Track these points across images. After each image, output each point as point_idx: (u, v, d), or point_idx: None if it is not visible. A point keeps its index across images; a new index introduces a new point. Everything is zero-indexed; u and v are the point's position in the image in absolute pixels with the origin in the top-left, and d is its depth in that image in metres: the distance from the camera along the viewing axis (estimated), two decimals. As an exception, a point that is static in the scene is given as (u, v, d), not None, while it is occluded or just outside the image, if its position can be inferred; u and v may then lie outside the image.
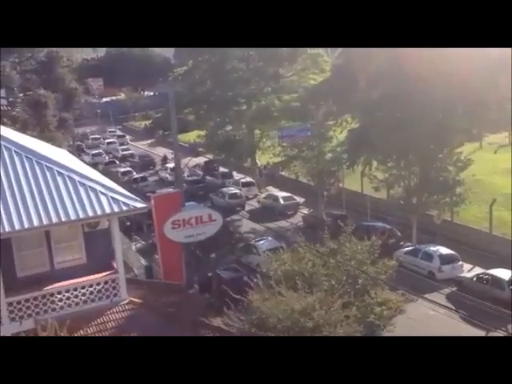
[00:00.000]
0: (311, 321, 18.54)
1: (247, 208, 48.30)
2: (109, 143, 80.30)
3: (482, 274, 30.00)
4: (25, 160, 18.94)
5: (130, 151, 74.27)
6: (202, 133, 58.88)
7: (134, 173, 59.52)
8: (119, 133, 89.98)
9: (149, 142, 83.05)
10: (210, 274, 28.62)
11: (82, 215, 17.86)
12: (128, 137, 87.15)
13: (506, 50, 23.16)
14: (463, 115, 34.06)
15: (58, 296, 18.50)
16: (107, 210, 18.22)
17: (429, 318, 25.41)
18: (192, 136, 65.14)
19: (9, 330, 17.52)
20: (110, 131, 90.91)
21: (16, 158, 18.93)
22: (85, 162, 28.98)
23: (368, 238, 23.04)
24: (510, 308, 25.74)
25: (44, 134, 46.77)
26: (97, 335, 17.85)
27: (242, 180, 52.58)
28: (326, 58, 53.01)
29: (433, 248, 33.15)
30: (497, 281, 28.76)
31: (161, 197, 28.45)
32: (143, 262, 32.36)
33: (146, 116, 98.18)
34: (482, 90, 32.03)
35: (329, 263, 22.01)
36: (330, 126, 42.91)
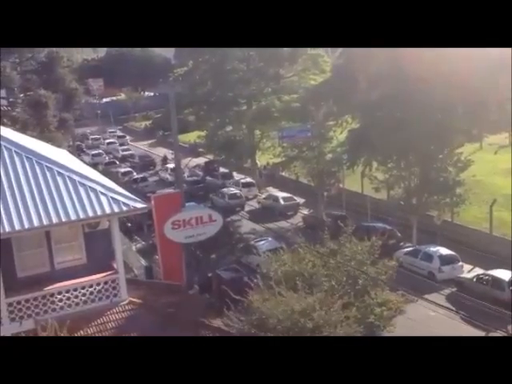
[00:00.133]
0: (311, 321, 18.53)
1: (247, 208, 48.31)
2: (109, 143, 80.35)
3: (482, 274, 30.00)
4: (25, 160, 18.95)
5: (131, 151, 74.29)
6: (203, 133, 58.91)
7: (134, 173, 59.56)
8: (119, 133, 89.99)
9: (149, 142, 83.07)
10: (210, 275, 28.61)
11: (82, 215, 17.86)
12: (128, 137, 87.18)
13: (506, 50, 23.18)
14: (463, 116, 34.07)
15: (58, 296, 18.50)
16: (107, 211, 18.23)
17: (429, 318, 25.39)
18: (192, 136, 65.18)
19: (9, 330, 17.52)
20: (111, 131, 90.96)
21: (16, 159, 18.94)
22: (85, 163, 28.98)
23: (368, 238, 23.02)
24: (510, 309, 25.73)
25: (44, 135, 46.78)
26: (97, 335, 17.86)
27: (242, 180, 52.58)
28: (327, 58, 53.03)
29: (433, 249, 33.14)
30: (497, 281, 28.75)
31: (161, 197, 28.44)
32: (143, 262, 32.36)
33: (147, 116, 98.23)
34: (482, 91, 32.03)
35: (329, 264, 21.99)
36: (330, 127, 42.90)
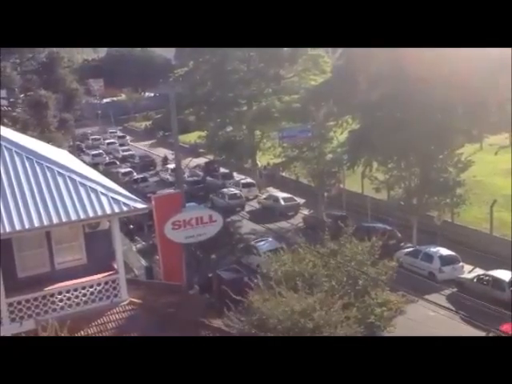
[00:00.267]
0: (311, 322, 18.52)
1: (248, 209, 48.30)
2: (109, 144, 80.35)
3: (482, 275, 29.99)
4: (25, 160, 18.96)
5: (131, 152, 74.30)
6: (203, 133, 58.93)
7: (135, 173, 59.56)
8: (120, 133, 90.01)
9: (149, 142, 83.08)
10: (210, 275, 28.59)
11: (82, 216, 17.88)
12: (128, 137, 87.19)
13: (506, 50, 23.18)
14: (463, 116, 34.06)
15: (59, 296, 18.51)
16: (108, 211, 18.24)
17: (429, 318, 25.36)
18: (193, 137, 65.20)
19: (9, 330, 17.53)
20: (111, 132, 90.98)
21: (17, 159, 18.96)
22: (85, 163, 29.00)
23: (368, 238, 23.01)
24: (510, 309, 25.71)
25: (44, 135, 46.84)
26: (97, 336, 17.86)
27: (243, 181, 52.58)
28: (327, 58, 53.01)
29: (433, 249, 33.12)
30: (497, 282, 28.75)
31: (161, 197, 28.46)
32: (144, 262, 32.36)
33: (147, 117, 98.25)
34: (482, 91, 32.02)
35: (329, 264, 21.98)
36: (330, 127, 42.89)
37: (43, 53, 61.26)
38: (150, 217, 28.19)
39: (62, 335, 15.30)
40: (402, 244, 35.70)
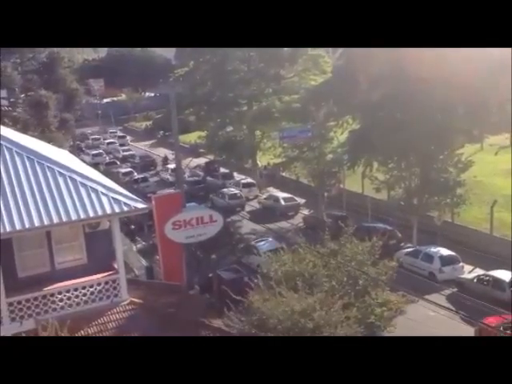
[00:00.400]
0: (311, 322, 18.52)
1: (248, 209, 48.30)
2: (109, 143, 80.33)
3: (482, 275, 30.00)
4: (26, 160, 18.98)
5: (131, 152, 74.30)
6: (203, 134, 58.93)
7: (135, 173, 59.56)
8: (120, 133, 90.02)
9: (150, 142, 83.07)
10: (210, 275, 28.59)
11: (83, 215, 17.89)
12: (129, 137, 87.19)
13: (506, 51, 23.18)
14: (464, 116, 34.05)
15: (59, 296, 18.52)
16: (108, 211, 18.26)
17: (429, 318, 25.35)
18: (193, 137, 65.21)
19: (9, 330, 17.54)
20: (111, 132, 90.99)
21: (17, 159, 18.98)
22: (85, 162, 29.02)
23: (369, 239, 23.01)
24: (510, 309, 25.70)
25: (45, 135, 46.89)
26: (97, 335, 17.87)
27: (243, 181, 52.59)
28: (327, 58, 53.00)
29: (433, 249, 33.13)
30: (497, 282, 28.76)
31: (162, 197, 28.47)
32: (144, 262, 32.37)
33: (147, 117, 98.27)
34: (482, 91, 32.02)
35: (329, 264, 21.98)
36: (330, 127, 42.88)
37: (44, 53, 61.39)
38: (151, 217, 28.19)
39: (62, 335, 15.31)
40: (402, 244, 35.70)
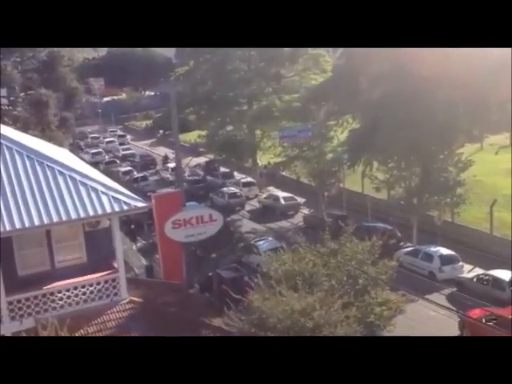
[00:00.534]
0: (311, 321, 18.53)
1: (248, 208, 48.29)
2: (108, 142, 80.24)
3: (482, 274, 30.00)
4: (26, 159, 18.98)
5: (131, 151, 74.26)
6: (203, 133, 58.90)
7: (135, 172, 59.54)
8: (120, 132, 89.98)
9: (150, 141, 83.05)
10: (210, 274, 28.61)
11: (82, 214, 17.90)
12: (129, 136, 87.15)
13: (507, 50, 23.17)
14: (464, 116, 34.04)
15: (59, 295, 18.53)
16: (108, 210, 18.26)
17: (429, 318, 25.36)
18: (193, 136, 65.17)
19: (9, 328, 17.56)
20: (111, 131, 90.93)
21: (17, 157, 18.98)
22: (84, 161, 29.02)
23: (369, 238, 23.02)
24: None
25: (45, 134, 46.94)
26: (97, 334, 17.88)
27: (243, 180, 52.58)
28: (328, 58, 52.97)
29: (433, 248, 33.13)
30: (497, 282, 28.76)
31: (161, 196, 28.47)
32: (144, 261, 32.37)
33: (147, 116, 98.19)
34: (483, 91, 32.01)
35: (329, 263, 21.99)
36: (331, 127, 42.87)
37: (44, 52, 61.33)
38: (150, 216, 28.19)
39: (62, 334, 15.32)
40: (402, 243, 35.69)
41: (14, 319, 18.03)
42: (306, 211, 45.73)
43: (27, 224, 17.23)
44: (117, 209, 18.39)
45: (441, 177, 35.44)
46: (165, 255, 25.22)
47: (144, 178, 56.22)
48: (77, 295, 18.74)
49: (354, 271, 21.68)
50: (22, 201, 17.70)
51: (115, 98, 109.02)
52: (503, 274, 29.00)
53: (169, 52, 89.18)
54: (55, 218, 17.57)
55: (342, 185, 44.92)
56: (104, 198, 18.41)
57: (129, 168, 61.67)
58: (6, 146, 19.14)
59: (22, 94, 58.48)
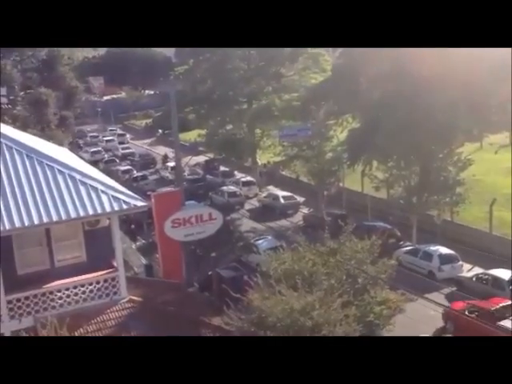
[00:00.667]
0: (311, 320, 18.53)
1: (248, 207, 48.28)
2: (107, 141, 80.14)
3: (481, 274, 30.01)
4: (25, 158, 18.98)
5: (131, 150, 74.20)
6: (203, 132, 58.86)
7: (135, 171, 59.50)
8: (120, 131, 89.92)
9: (149, 140, 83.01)
10: (210, 273, 28.61)
11: (82, 213, 17.90)
12: (128, 135, 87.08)
13: (506, 50, 23.17)
14: (464, 115, 34.02)
15: (58, 294, 18.54)
16: (108, 209, 18.27)
17: (428, 317, 25.42)
18: (193, 135, 65.11)
19: (8, 327, 17.57)
20: (111, 130, 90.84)
21: (17, 156, 18.98)
22: (83, 159, 29.02)
23: (368, 237, 23.02)
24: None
25: (45, 132, 46.93)
26: (96, 333, 17.89)
27: (243, 179, 52.57)
28: (327, 57, 52.96)
29: (433, 248, 33.14)
30: (497, 281, 28.77)
31: (161, 195, 28.52)
32: (143, 260, 32.38)
33: (147, 115, 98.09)
34: (483, 90, 32.01)
35: (329, 262, 21.98)
36: (330, 126, 42.88)
37: (43, 51, 61.26)
38: (150, 215, 28.20)
39: (62, 333, 15.33)
40: (402, 243, 35.70)
41: (13, 318, 18.04)
42: (305, 210, 45.73)
43: (27, 223, 17.24)
44: (116, 208, 18.39)
45: (440, 176, 35.44)
46: (164, 254, 25.25)
47: (143, 177, 56.17)
48: (76, 294, 18.75)
49: (354, 270, 21.69)
50: (21, 200, 17.70)
51: (115, 96, 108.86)
52: (503, 274, 29.00)
53: (168, 51, 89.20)
54: (55, 217, 17.57)
55: (341, 184, 44.93)
56: (104, 197, 18.41)
57: (128, 167, 61.62)
58: (6, 144, 19.13)
59: (22, 93, 58.45)
